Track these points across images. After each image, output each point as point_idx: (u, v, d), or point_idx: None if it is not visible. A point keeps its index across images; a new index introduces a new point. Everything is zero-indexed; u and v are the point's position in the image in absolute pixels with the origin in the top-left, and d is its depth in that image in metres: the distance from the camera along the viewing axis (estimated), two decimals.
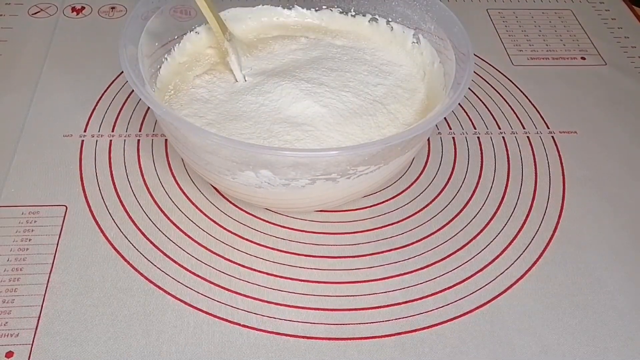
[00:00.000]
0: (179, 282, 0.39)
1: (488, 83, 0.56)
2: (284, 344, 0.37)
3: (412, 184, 0.47)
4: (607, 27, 0.63)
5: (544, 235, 0.44)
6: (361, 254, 0.42)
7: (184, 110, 0.42)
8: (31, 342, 0.36)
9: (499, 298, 0.40)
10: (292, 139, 0.39)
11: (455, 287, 0.40)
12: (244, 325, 0.38)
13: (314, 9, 0.51)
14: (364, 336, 0.38)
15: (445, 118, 0.41)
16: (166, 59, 0.46)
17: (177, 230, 0.42)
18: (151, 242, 0.41)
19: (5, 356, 0.35)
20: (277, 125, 0.40)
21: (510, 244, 0.43)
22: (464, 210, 0.45)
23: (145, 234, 0.42)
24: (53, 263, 0.40)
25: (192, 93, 0.44)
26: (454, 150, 0.49)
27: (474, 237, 0.43)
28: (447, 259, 0.42)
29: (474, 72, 0.46)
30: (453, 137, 0.50)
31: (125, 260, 0.40)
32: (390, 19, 0.49)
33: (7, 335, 0.36)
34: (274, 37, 0.49)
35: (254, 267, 0.41)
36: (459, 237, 0.43)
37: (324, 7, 0.51)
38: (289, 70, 0.45)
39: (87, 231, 0.42)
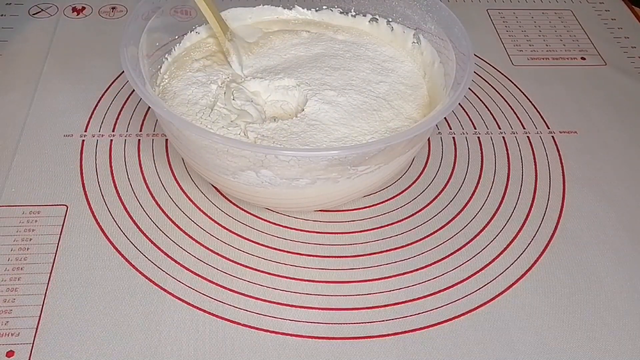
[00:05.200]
0: (179, 281, 0.39)
1: (488, 83, 0.56)
2: (285, 343, 0.37)
3: (412, 183, 0.47)
4: (607, 27, 0.63)
5: (544, 235, 0.44)
6: (361, 254, 0.42)
7: (177, 98, 0.42)
8: (32, 342, 0.36)
9: (499, 298, 0.40)
10: (299, 131, 0.39)
11: (455, 287, 0.40)
12: (244, 325, 0.38)
13: (314, 9, 0.51)
14: (364, 335, 0.38)
15: (445, 118, 0.41)
16: (166, 58, 0.46)
17: (178, 229, 0.42)
18: (152, 242, 0.41)
19: (6, 355, 0.35)
20: (282, 120, 0.40)
21: (510, 243, 0.43)
22: (464, 210, 0.45)
23: (146, 233, 0.42)
24: (54, 263, 0.40)
25: (189, 77, 0.43)
26: (454, 150, 0.49)
27: (475, 237, 0.43)
28: (448, 258, 0.42)
29: (474, 72, 0.46)
30: (453, 137, 0.51)
31: (126, 259, 0.40)
32: (390, 19, 0.49)
33: (8, 335, 0.36)
34: (275, 32, 0.49)
35: (254, 267, 0.41)
36: (459, 237, 0.43)
37: (324, 7, 0.51)
38: (291, 68, 0.45)
39: (88, 231, 0.42)
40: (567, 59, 0.59)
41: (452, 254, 0.42)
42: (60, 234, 0.41)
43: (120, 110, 0.50)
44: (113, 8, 0.61)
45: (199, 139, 0.37)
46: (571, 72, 0.58)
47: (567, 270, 0.42)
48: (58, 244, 0.41)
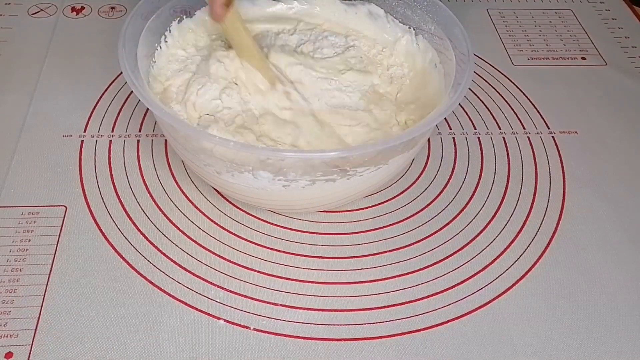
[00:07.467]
0: (178, 282, 0.39)
1: (488, 83, 0.56)
2: (285, 344, 0.37)
3: (412, 184, 0.47)
4: (608, 27, 0.63)
5: (545, 236, 0.44)
6: (362, 255, 0.42)
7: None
8: (30, 343, 0.36)
9: (499, 298, 0.40)
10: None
11: (456, 288, 0.40)
12: (243, 326, 0.38)
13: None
14: (365, 337, 0.38)
15: (445, 118, 0.41)
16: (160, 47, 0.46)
17: (177, 230, 0.42)
18: (151, 243, 0.41)
19: (5, 357, 0.35)
20: None
21: (510, 244, 0.43)
22: (465, 210, 0.45)
23: (145, 234, 0.42)
24: (52, 264, 0.40)
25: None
26: (454, 150, 0.49)
27: (475, 238, 0.43)
28: (448, 259, 0.42)
29: (474, 72, 0.46)
30: (453, 137, 0.50)
31: (125, 260, 0.40)
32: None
33: (7, 336, 0.36)
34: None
35: (254, 268, 0.41)
36: (459, 238, 0.43)
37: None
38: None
39: (87, 232, 0.42)
40: (568, 59, 0.59)
41: (452, 254, 0.42)
42: (59, 235, 0.41)
43: (120, 110, 0.50)
44: (112, 8, 0.61)
45: (197, 140, 0.37)
46: (571, 72, 0.58)
47: (567, 271, 0.42)
48: (57, 244, 0.41)
